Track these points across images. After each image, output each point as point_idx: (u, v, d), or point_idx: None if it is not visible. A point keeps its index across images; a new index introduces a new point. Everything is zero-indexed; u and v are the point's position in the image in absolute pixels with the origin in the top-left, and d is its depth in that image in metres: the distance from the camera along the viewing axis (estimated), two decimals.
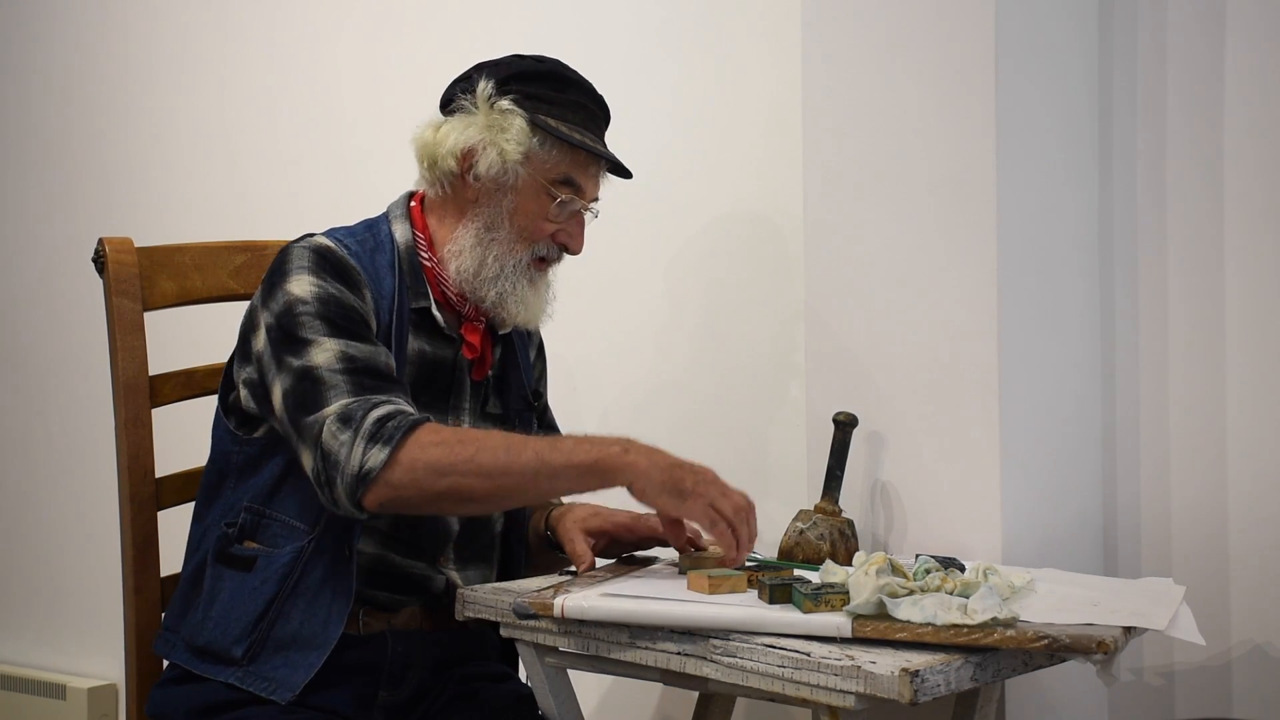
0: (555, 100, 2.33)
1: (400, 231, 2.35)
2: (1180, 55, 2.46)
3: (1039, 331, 2.41)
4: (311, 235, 2.30)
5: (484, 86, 2.33)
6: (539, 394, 2.50)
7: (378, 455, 2.10)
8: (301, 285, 2.22)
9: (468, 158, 2.31)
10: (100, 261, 2.47)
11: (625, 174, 2.40)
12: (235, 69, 3.64)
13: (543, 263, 2.36)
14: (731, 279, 2.95)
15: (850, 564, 2.17)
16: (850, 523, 2.39)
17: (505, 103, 2.32)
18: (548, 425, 2.57)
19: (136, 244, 2.50)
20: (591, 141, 2.34)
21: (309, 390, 2.16)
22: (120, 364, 2.44)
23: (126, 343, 2.45)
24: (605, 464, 2.11)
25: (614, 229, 3.09)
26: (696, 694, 2.38)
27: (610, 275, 3.09)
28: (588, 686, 2.34)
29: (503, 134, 2.30)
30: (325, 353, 2.17)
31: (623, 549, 2.38)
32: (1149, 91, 2.48)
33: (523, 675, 2.32)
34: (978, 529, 2.34)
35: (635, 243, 3.06)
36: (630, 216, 3.07)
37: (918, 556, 2.13)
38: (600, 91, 2.39)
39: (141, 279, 2.47)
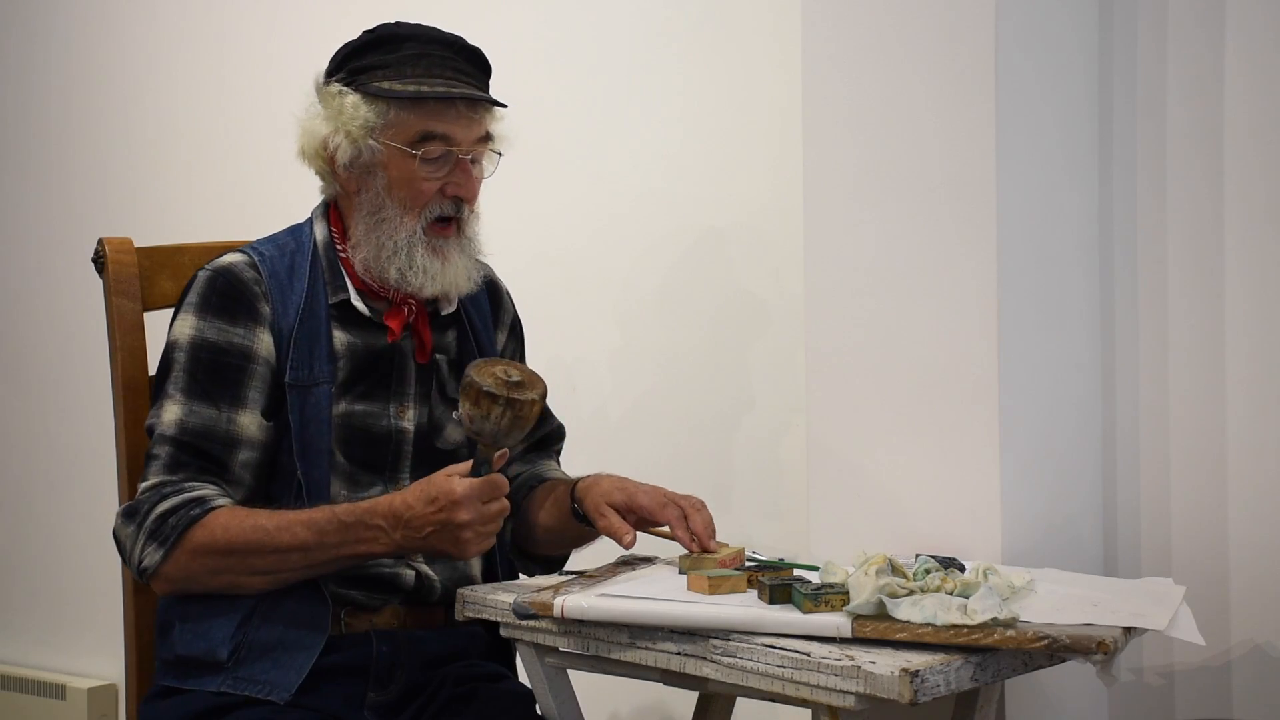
0: (388, 62, 2.32)
1: (319, 230, 2.38)
2: (1180, 55, 2.46)
3: (1039, 331, 2.41)
4: (223, 255, 2.34)
5: (318, 78, 2.36)
6: None
7: (153, 556, 2.21)
8: (183, 327, 2.30)
9: (329, 153, 2.33)
10: (100, 261, 2.47)
11: (496, 103, 2.35)
12: (235, 68, 3.64)
13: (444, 224, 2.33)
14: (731, 279, 2.95)
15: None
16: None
17: (336, 86, 2.33)
18: None
19: (136, 244, 2.51)
20: (430, 88, 2.29)
21: (148, 453, 2.28)
22: (120, 364, 2.45)
23: (126, 343, 2.46)
24: (369, 557, 2.22)
25: (614, 228, 3.09)
26: (696, 694, 2.38)
27: (610, 275, 3.09)
28: (588, 686, 2.34)
29: (342, 117, 2.31)
30: (170, 413, 2.26)
31: (644, 526, 2.35)
32: (1149, 91, 2.48)
33: (520, 674, 2.32)
34: (978, 529, 2.34)
35: (635, 242, 3.06)
36: (630, 216, 3.07)
37: (918, 556, 2.13)
38: (455, 34, 2.36)
39: (141, 279, 2.48)
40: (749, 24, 2.91)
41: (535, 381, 2.18)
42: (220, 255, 2.35)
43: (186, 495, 2.22)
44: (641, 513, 2.32)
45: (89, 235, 2.62)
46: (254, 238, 2.44)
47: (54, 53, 3.94)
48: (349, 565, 2.24)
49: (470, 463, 2.18)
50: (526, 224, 3.15)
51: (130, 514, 2.23)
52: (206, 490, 2.23)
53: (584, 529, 2.39)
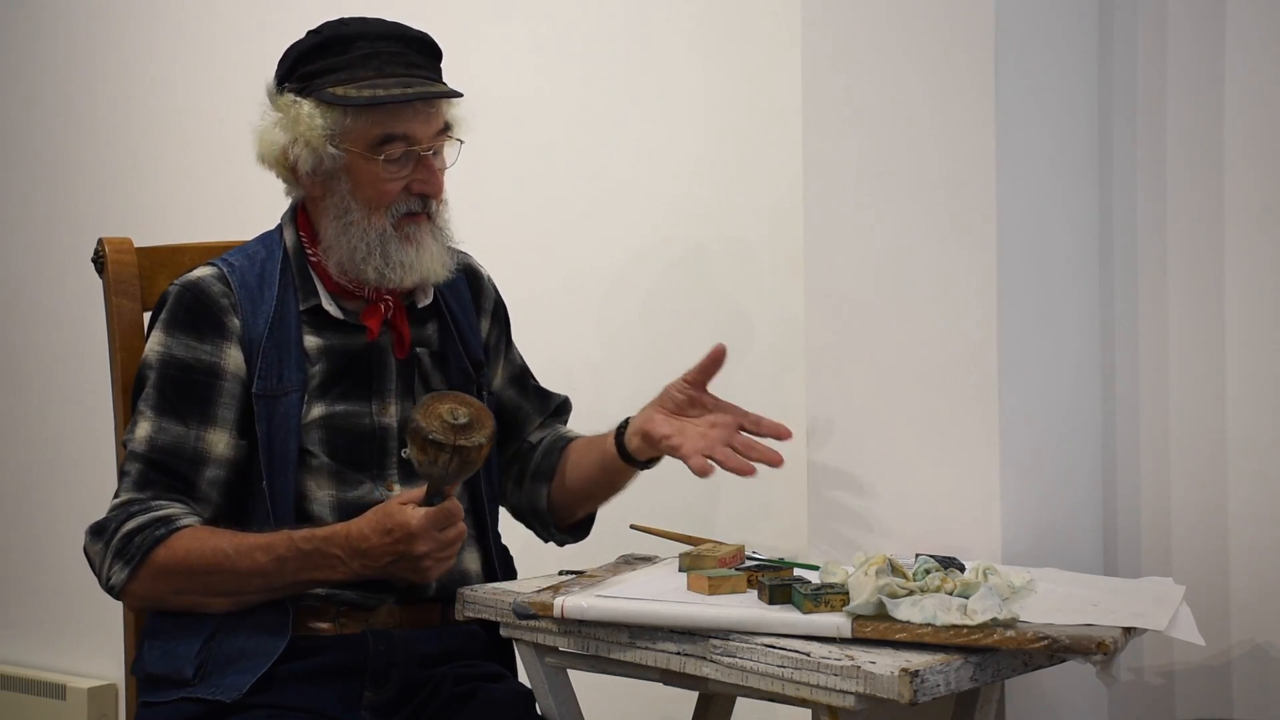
0: (339, 65, 2.30)
1: (289, 236, 2.37)
2: (1180, 55, 2.46)
3: (1039, 331, 2.41)
4: (193, 269, 2.34)
5: (271, 83, 2.35)
6: (481, 364, 2.46)
7: (119, 574, 2.23)
8: (153, 344, 2.31)
9: (290, 162, 2.32)
10: (100, 261, 2.47)
11: (452, 94, 2.32)
12: (235, 68, 3.63)
13: (412, 218, 2.33)
14: (730, 278, 2.95)
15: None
16: None
17: (290, 95, 2.31)
18: (531, 390, 2.56)
19: (136, 244, 2.51)
20: (386, 90, 2.27)
21: (121, 469, 2.30)
22: (120, 364, 2.45)
23: (126, 343, 2.46)
24: (330, 583, 2.24)
25: (615, 228, 3.09)
26: (696, 694, 2.38)
27: (610, 274, 3.09)
28: (588, 686, 2.34)
29: (299, 126, 2.29)
30: (141, 430, 2.28)
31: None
32: (1149, 91, 2.48)
33: (520, 674, 2.32)
34: (978, 529, 2.34)
35: (635, 241, 3.06)
36: (630, 215, 3.07)
37: (918, 556, 2.13)
38: (401, 25, 2.33)
39: (141, 279, 2.48)
40: (748, 23, 2.91)
41: (484, 420, 2.15)
42: (191, 269, 2.35)
43: (153, 514, 2.23)
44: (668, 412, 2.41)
45: (89, 235, 2.62)
46: (253, 238, 2.44)
47: (54, 53, 3.94)
48: (313, 588, 2.25)
49: (424, 489, 2.18)
50: (525, 223, 3.15)
51: (98, 531, 2.25)
52: (173, 509, 2.24)
53: (624, 468, 2.43)
